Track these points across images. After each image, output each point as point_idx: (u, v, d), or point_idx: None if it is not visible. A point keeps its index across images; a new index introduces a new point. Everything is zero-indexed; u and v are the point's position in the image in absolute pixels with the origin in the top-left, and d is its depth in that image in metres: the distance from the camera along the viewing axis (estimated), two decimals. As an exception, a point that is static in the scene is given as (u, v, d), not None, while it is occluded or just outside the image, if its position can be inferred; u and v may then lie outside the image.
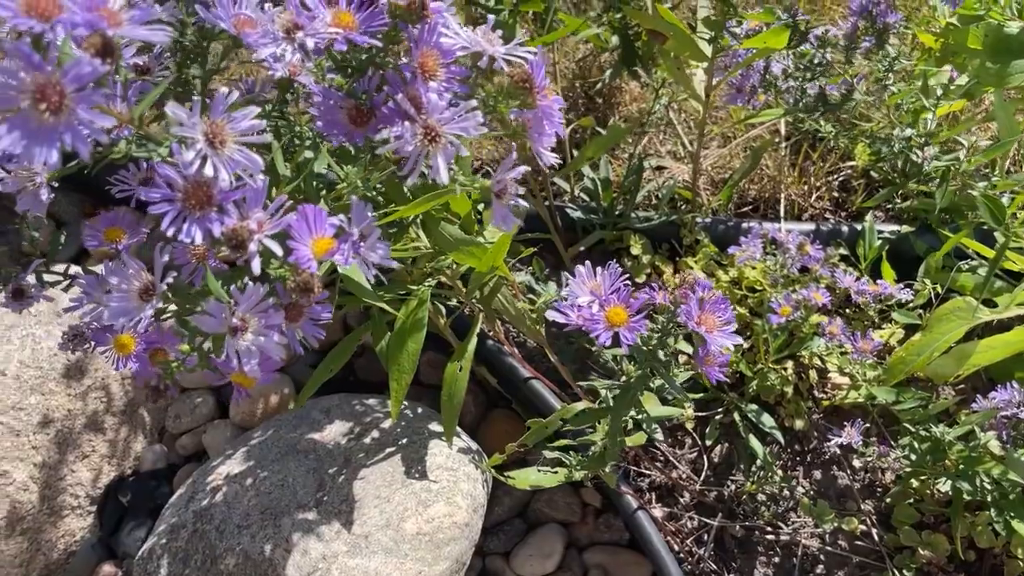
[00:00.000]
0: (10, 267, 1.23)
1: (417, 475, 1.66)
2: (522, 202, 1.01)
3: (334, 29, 0.87)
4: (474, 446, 1.79)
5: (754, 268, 2.15)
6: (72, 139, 0.70)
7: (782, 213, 2.33)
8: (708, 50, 1.98)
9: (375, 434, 1.76)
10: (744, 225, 2.25)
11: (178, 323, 0.94)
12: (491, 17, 0.94)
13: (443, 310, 1.81)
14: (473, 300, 1.76)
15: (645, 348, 1.19)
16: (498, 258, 1.62)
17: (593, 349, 1.26)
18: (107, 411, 2.00)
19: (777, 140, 2.51)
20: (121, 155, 0.86)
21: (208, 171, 0.80)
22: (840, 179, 2.54)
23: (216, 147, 0.82)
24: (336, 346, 1.73)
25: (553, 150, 1.02)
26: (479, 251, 1.60)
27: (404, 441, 1.74)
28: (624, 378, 1.23)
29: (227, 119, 0.83)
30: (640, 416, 1.27)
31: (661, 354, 1.20)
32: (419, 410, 1.84)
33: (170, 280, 0.91)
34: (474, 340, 1.64)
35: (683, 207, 2.37)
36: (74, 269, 1.26)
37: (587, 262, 1.23)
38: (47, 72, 0.69)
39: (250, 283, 0.90)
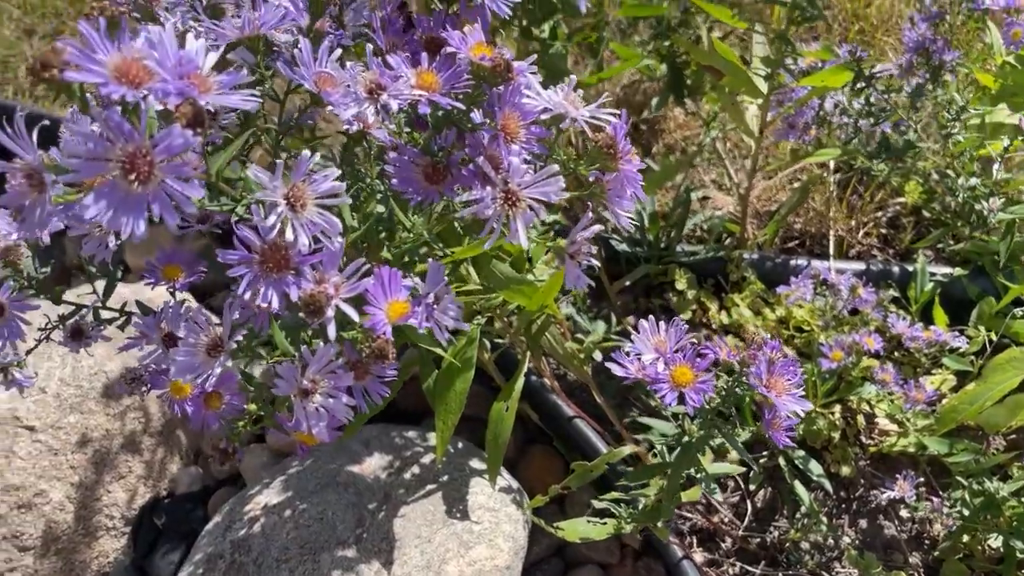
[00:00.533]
0: (59, 286, 1.21)
1: (459, 515, 1.64)
2: (595, 261, 0.98)
3: (418, 91, 0.84)
4: (515, 485, 1.77)
5: (802, 307, 2.11)
6: (160, 209, 0.68)
7: (831, 251, 2.28)
8: (764, 87, 1.94)
9: (415, 469, 1.74)
10: (792, 263, 2.21)
11: (244, 379, 0.92)
12: (572, 77, 0.92)
13: (487, 345, 1.79)
14: (520, 337, 1.73)
15: (709, 408, 1.16)
16: (548, 297, 1.59)
17: (653, 404, 1.23)
18: (144, 431, 1.99)
19: (825, 174, 2.47)
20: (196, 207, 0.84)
21: (289, 236, 0.78)
22: (888, 215, 2.49)
23: (296, 210, 0.80)
24: (381, 380, 1.71)
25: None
26: (530, 290, 1.58)
27: (445, 478, 1.71)
28: (685, 436, 1.20)
29: (308, 181, 0.81)
30: (699, 475, 1.24)
31: (725, 414, 1.17)
32: (459, 445, 1.82)
33: (239, 338, 0.89)
34: (521, 379, 1.61)
35: (729, 240, 2.34)
36: (128, 292, 1.25)
37: (651, 317, 1.20)
38: (137, 141, 0.67)
39: (320, 343, 0.88)
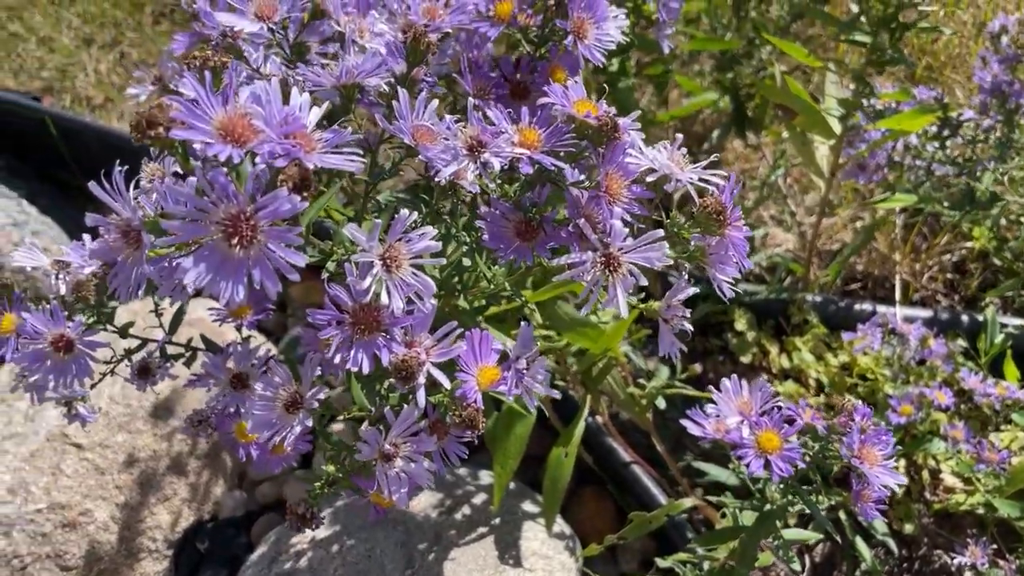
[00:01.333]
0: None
1: (511, 561, 1.59)
2: (688, 325, 0.93)
3: (520, 149, 0.80)
4: (568, 530, 1.71)
5: (866, 355, 2.04)
6: (261, 275, 0.64)
7: (898, 297, 2.21)
8: (837, 127, 1.88)
9: (467, 510, 1.69)
10: (856, 307, 2.14)
11: (322, 438, 0.88)
12: (679, 136, 0.87)
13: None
14: (580, 379, 1.69)
15: (794, 477, 1.10)
16: (614, 341, 1.55)
17: (732, 468, 1.17)
18: (191, 453, 1.97)
19: (890, 215, 2.40)
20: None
21: (384, 299, 0.74)
22: (954, 260, 2.42)
23: (391, 271, 0.76)
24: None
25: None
26: (595, 333, 1.53)
27: (497, 521, 1.66)
28: (767, 504, 1.14)
29: (404, 240, 0.77)
30: (776, 542, 1.18)
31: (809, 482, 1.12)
32: (511, 485, 1.77)
33: (321, 397, 0.85)
34: (582, 425, 1.56)
35: (790, 280, 2.27)
36: (193, 314, 1.22)
37: (734, 376, 1.15)
38: (240, 204, 0.63)
39: (392, 398, 0.84)
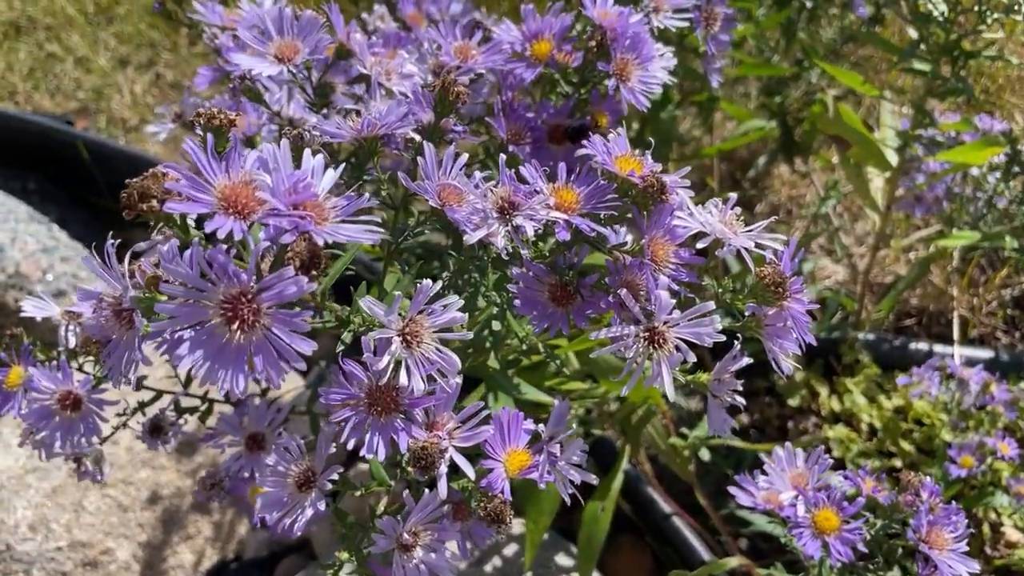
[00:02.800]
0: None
1: (544, 618, 1.50)
2: (740, 399, 0.84)
3: (556, 213, 0.72)
4: (604, 584, 1.62)
5: (922, 398, 1.92)
6: (263, 363, 0.57)
7: (956, 336, 2.09)
8: (894, 159, 1.78)
9: (497, 562, 1.61)
10: (911, 346, 2.02)
11: (337, 518, 0.81)
12: (732, 195, 0.79)
13: (580, 430, 1.66)
14: (619, 427, 1.60)
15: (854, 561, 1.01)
16: (654, 389, 1.46)
17: (785, 543, 1.08)
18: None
19: (948, 248, 2.27)
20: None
21: (402, 379, 0.67)
22: (1015, 294, 2.28)
23: (412, 347, 0.68)
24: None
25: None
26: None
27: (529, 575, 1.58)
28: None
29: (427, 312, 0.70)
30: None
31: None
32: (544, 536, 1.68)
33: (335, 476, 0.78)
34: (620, 477, 1.48)
35: (840, 317, 2.16)
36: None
37: (787, 444, 1.05)
38: (242, 283, 0.56)
39: (425, 491, 0.76)
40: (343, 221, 0.61)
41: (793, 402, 1.94)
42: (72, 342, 1.03)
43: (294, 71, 0.86)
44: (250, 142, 1.04)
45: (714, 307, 0.75)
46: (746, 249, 0.75)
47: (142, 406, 1.11)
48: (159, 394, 1.12)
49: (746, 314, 0.79)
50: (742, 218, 0.78)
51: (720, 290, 0.77)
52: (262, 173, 0.59)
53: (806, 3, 2.12)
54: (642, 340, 0.73)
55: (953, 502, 1.11)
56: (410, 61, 0.95)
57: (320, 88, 0.95)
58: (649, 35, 0.97)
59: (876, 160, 1.73)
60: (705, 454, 1.54)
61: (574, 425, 1.39)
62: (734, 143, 1.72)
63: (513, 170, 0.75)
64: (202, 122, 0.63)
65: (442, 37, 0.96)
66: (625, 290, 0.73)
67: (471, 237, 0.71)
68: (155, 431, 1.03)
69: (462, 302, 0.70)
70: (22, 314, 1.07)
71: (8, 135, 2.43)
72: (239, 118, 0.65)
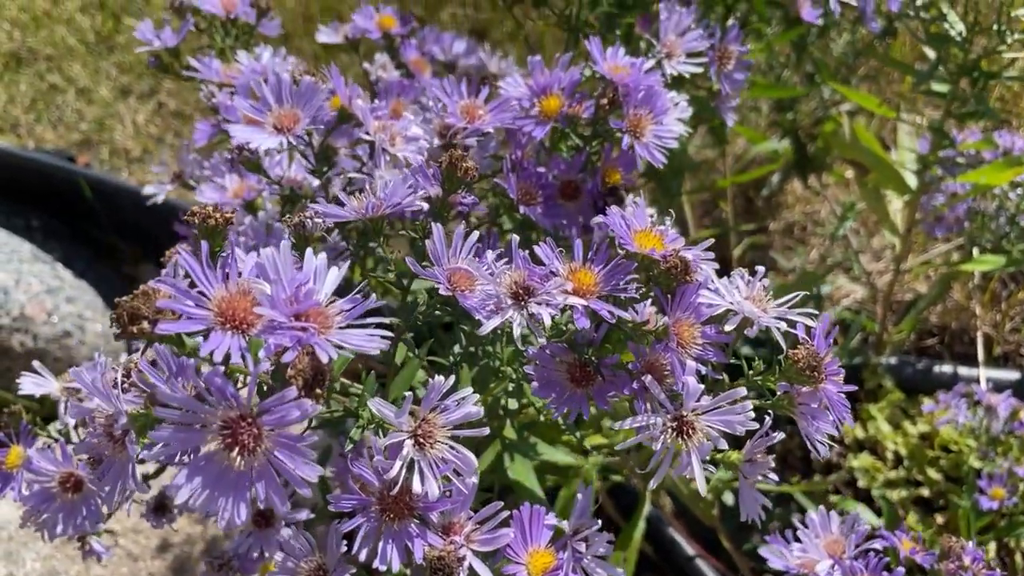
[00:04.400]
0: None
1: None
2: (772, 475, 0.80)
3: (574, 299, 0.68)
4: (627, 632, 1.58)
5: (948, 423, 1.87)
6: (265, 489, 0.53)
7: (980, 357, 2.03)
8: (913, 182, 1.73)
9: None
10: (935, 369, 1.97)
11: (351, 616, 0.76)
12: (760, 269, 0.74)
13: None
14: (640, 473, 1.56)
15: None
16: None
17: None
18: (226, 536, 1.88)
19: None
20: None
21: (416, 486, 0.63)
22: (1040, 310, 2.23)
23: (424, 448, 0.64)
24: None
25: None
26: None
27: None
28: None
29: (439, 409, 0.66)
30: None
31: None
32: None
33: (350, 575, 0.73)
34: (641, 525, 1.43)
35: (859, 339, 2.11)
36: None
37: (821, 507, 1.01)
38: (242, 407, 0.52)
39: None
40: (349, 326, 0.57)
41: (815, 432, 1.89)
42: (71, 420, 0.99)
43: (293, 141, 0.82)
44: (250, 207, 1.01)
45: (744, 392, 0.70)
46: (777, 328, 0.70)
47: (146, 479, 1.07)
48: (164, 466, 1.08)
49: (778, 392, 0.74)
50: (770, 292, 0.74)
51: (750, 371, 0.73)
52: (261, 282, 0.55)
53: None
54: (670, 431, 0.69)
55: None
56: (415, 123, 0.91)
57: (322, 152, 0.91)
58: (662, 86, 0.93)
59: (895, 184, 1.68)
60: (729, 498, 1.49)
61: (594, 476, 1.35)
62: (747, 177, 1.67)
63: (527, 251, 0.71)
64: (196, 222, 0.59)
65: (447, 96, 0.92)
66: (650, 377, 0.68)
67: (485, 327, 0.67)
68: (160, 509, 0.99)
69: (477, 396, 0.66)
70: (20, 391, 1.03)
71: (10, 172, 2.40)
72: (235, 214, 0.62)
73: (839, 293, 2.28)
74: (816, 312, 0.73)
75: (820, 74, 2.17)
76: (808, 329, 0.72)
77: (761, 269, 0.74)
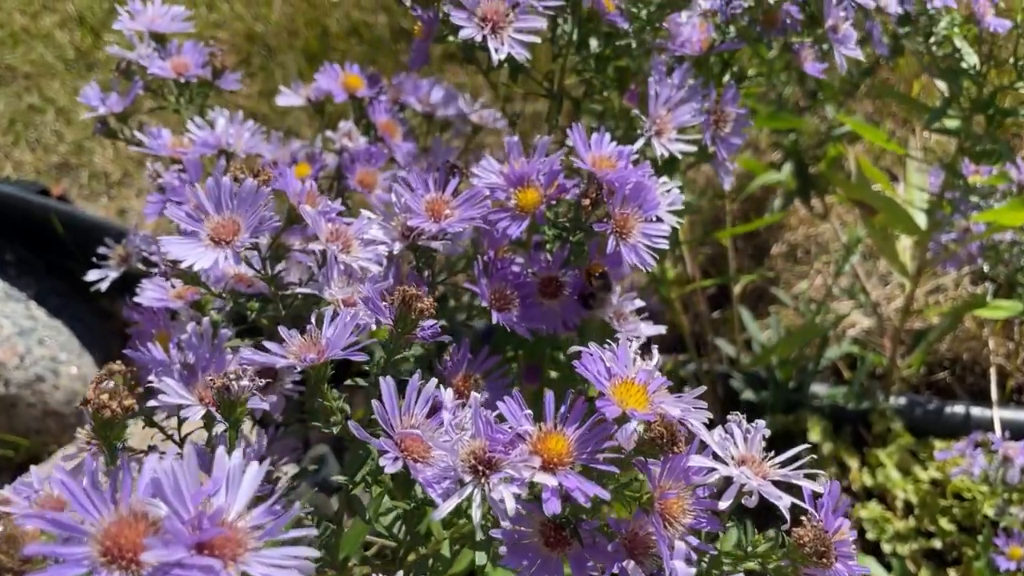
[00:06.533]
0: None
1: None
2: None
3: (542, 476, 0.58)
4: None
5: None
6: None
7: (994, 396, 1.94)
8: (923, 221, 1.63)
9: None
10: (947, 410, 1.88)
11: None
12: (760, 422, 0.65)
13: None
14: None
15: None
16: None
17: None
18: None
19: (979, 291, 2.12)
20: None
21: None
22: (1055, 340, 2.13)
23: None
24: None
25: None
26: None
27: None
28: None
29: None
30: None
31: None
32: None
33: None
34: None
35: (866, 376, 2.01)
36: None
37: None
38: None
39: None
40: (268, 544, 0.48)
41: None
42: None
43: (231, 258, 0.73)
44: (197, 306, 0.91)
45: None
46: (780, 502, 0.61)
47: None
48: None
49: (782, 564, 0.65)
50: (771, 452, 0.64)
51: (750, 548, 0.63)
52: (157, 503, 0.46)
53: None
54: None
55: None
56: (375, 223, 0.81)
57: (273, 252, 0.81)
58: (652, 175, 0.83)
59: (906, 225, 1.58)
60: None
61: None
62: (755, 225, 1.57)
63: (491, 412, 0.61)
64: (90, 411, 0.50)
65: (410, 191, 0.82)
66: (632, 564, 0.59)
67: (439, 511, 0.58)
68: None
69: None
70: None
71: (-18, 205, 2.31)
72: (133, 398, 0.52)
73: (845, 323, 2.18)
74: (823, 474, 0.63)
75: (823, 92, 2.07)
76: (815, 495, 0.63)
77: (761, 423, 0.65)
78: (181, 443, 0.77)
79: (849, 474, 1.83)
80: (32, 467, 0.68)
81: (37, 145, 2.93)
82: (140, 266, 1.03)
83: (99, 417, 0.51)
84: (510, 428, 0.60)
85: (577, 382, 1.02)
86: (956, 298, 2.16)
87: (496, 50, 0.84)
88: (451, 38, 0.89)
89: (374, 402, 0.61)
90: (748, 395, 1.87)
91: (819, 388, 1.92)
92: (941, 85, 1.55)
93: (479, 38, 0.84)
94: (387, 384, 0.61)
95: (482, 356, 0.86)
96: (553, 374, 1.03)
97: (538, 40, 0.85)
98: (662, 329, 0.88)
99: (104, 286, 1.04)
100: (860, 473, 1.84)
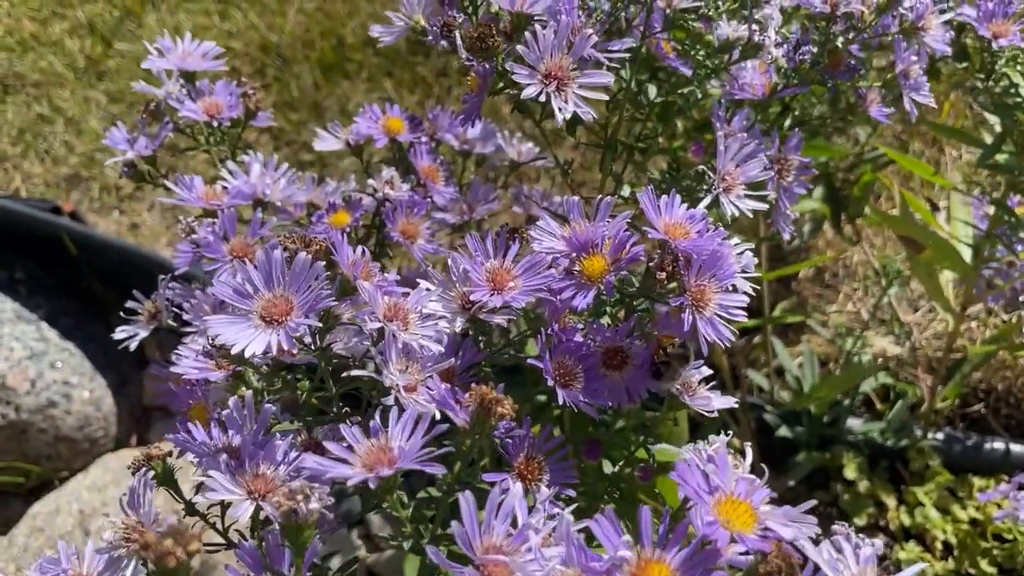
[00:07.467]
0: None
1: None
2: None
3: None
4: None
5: (1001, 507, 1.73)
6: None
7: (1034, 432, 1.89)
8: (969, 256, 1.57)
9: None
10: (986, 446, 1.83)
11: None
12: (877, 542, 0.59)
13: None
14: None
15: None
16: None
17: None
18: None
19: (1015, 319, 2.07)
20: None
21: None
22: (1093, 368, 2.08)
23: None
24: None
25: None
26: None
27: None
28: None
29: None
30: None
31: None
32: None
33: None
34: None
35: (905, 404, 1.96)
36: None
37: None
38: None
39: None
40: None
41: (859, 521, 1.75)
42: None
43: (284, 342, 0.67)
44: (238, 377, 0.86)
45: None
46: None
47: None
48: None
49: None
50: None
51: None
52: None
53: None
54: None
55: None
56: (433, 295, 0.76)
57: (322, 321, 0.76)
58: (726, 243, 0.77)
59: (953, 263, 1.53)
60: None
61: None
62: (804, 266, 1.52)
63: (581, 531, 0.56)
64: (151, 559, 0.44)
65: (469, 262, 0.77)
66: None
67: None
68: None
69: None
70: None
71: (-7, 222, 2.26)
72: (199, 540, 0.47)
73: (876, 351, 2.13)
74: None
75: (851, 112, 2.02)
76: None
77: (879, 543, 0.59)
78: (225, 532, 0.72)
79: (886, 513, 1.78)
80: None
81: (47, 156, 2.87)
82: (171, 323, 0.98)
83: (163, 567, 0.45)
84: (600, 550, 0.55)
85: (628, 446, 0.97)
86: (990, 325, 2.10)
87: (560, 109, 0.78)
88: (508, 91, 0.84)
89: (454, 524, 0.55)
90: (783, 432, 1.81)
91: (854, 422, 1.87)
92: (992, 119, 1.50)
93: (543, 97, 0.78)
94: (467, 501, 0.56)
95: (544, 435, 0.80)
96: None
97: (605, 97, 0.80)
98: (732, 401, 0.82)
99: (133, 345, 0.98)
100: (897, 512, 1.79)
